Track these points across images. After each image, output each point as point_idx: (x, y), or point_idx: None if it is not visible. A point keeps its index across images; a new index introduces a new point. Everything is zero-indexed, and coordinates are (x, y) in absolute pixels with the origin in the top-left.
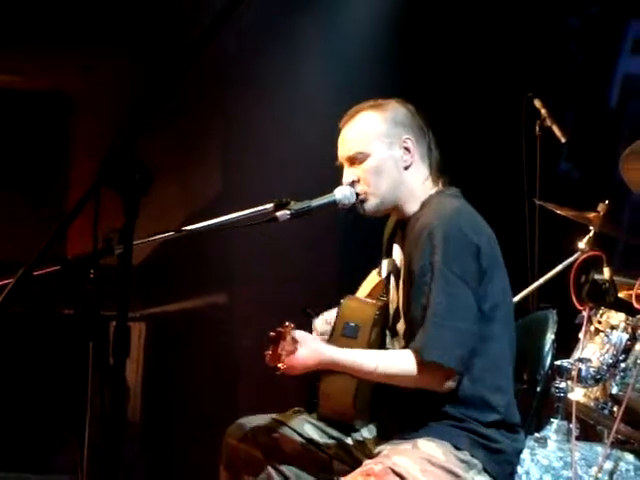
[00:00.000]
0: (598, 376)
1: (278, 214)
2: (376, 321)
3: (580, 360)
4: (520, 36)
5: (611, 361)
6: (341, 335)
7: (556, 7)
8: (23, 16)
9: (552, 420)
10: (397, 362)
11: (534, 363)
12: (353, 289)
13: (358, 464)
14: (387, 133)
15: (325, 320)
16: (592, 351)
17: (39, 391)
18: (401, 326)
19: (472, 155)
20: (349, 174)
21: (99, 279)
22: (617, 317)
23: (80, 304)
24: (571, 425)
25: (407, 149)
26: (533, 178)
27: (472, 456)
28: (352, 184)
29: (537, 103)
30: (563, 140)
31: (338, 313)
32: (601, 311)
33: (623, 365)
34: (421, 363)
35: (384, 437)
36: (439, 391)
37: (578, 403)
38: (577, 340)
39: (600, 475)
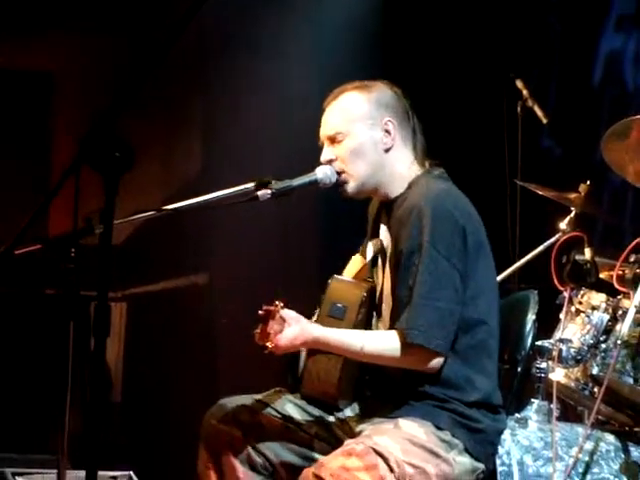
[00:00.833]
0: (579, 357)
1: (259, 193)
2: (363, 302)
3: (561, 341)
4: (501, 14)
5: (592, 342)
6: (328, 315)
7: None
8: None
9: (533, 400)
10: (383, 342)
11: (515, 343)
12: (333, 267)
13: (339, 443)
14: (369, 114)
15: None
16: (573, 332)
17: (20, 371)
18: (386, 307)
19: (454, 136)
20: (327, 152)
21: (80, 259)
22: (598, 298)
23: (61, 284)
24: (552, 405)
25: (388, 131)
26: (515, 158)
27: (453, 436)
28: (329, 162)
29: (519, 84)
30: (545, 121)
31: (325, 293)
32: (582, 292)
33: (604, 346)
34: (406, 344)
35: (366, 416)
36: (424, 371)
37: (559, 384)
38: (558, 321)
39: (580, 455)
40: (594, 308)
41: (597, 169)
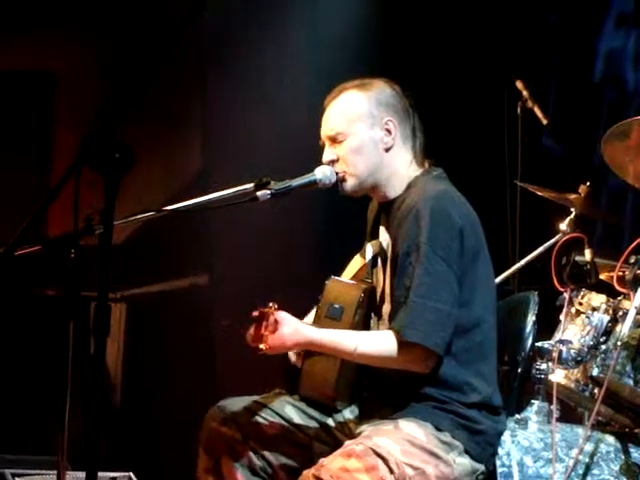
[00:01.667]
0: (579, 358)
1: (259, 194)
2: (360, 303)
3: (561, 342)
4: (502, 14)
5: (592, 343)
6: (325, 316)
7: None
8: None
9: (533, 402)
10: (377, 342)
11: (515, 345)
12: (333, 269)
13: (339, 445)
14: (369, 114)
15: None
16: (573, 333)
17: (19, 372)
18: (386, 308)
19: (454, 137)
20: (329, 153)
21: (80, 259)
22: (598, 299)
23: (61, 284)
24: (552, 407)
25: (389, 131)
26: (515, 159)
27: (453, 437)
28: (331, 163)
29: (519, 85)
30: (545, 122)
31: (322, 294)
32: (582, 293)
33: (604, 347)
34: (401, 343)
35: (366, 417)
36: (419, 372)
37: (559, 385)
38: (558, 322)
39: (581, 457)
40: (594, 309)
41: (597, 169)
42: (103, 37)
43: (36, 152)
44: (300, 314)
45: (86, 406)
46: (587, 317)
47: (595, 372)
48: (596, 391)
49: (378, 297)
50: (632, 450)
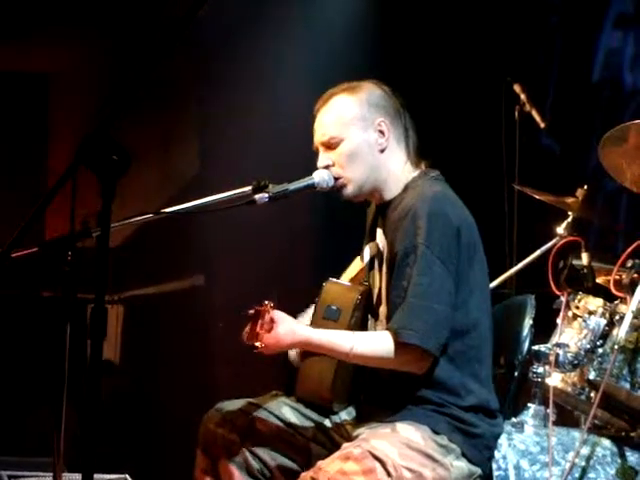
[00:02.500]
0: (576, 361)
1: (256, 197)
2: (357, 305)
3: (558, 345)
4: (499, 17)
5: (589, 346)
6: (322, 318)
7: None
8: None
9: (529, 405)
10: (373, 343)
11: (512, 348)
12: (330, 272)
13: (336, 447)
14: (361, 116)
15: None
16: (570, 336)
17: (16, 373)
18: (383, 310)
19: (452, 140)
20: (324, 158)
21: (76, 261)
22: (595, 302)
23: (58, 286)
24: (548, 410)
25: (382, 132)
26: (512, 163)
27: (450, 441)
28: (327, 168)
29: (516, 88)
30: (542, 125)
31: (320, 296)
32: (579, 296)
33: (601, 350)
34: (397, 344)
35: (363, 420)
36: (415, 372)
37: (555, 388)
38: (555, 325)
39: (577, 460)
40: (591, 313)
41: (593, 172)
42: (98, 39)
43: (31, 154)
44: (297, 315)
45: (82, 408)
46: (584, 321)
47: (592, 375)
48: (593, 394)
49: (375, 298)
50: (628, 454)
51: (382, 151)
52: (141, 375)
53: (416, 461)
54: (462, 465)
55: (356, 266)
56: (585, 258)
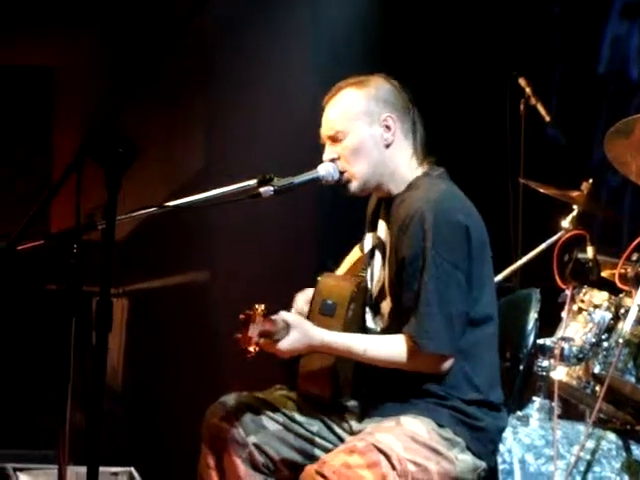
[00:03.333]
0: (581, 355)
1: (261, 190)
2: (353, 298)
3: (563, 339)
4: (504, 10)
5: (594, 340)
6: (318, 313)
7: None
8: None
9: (534, 399)
10: (390, 348)
11: (517, 342)
12: (335, 264)
13: (340, 441)
14: (368, 111)
15: (306, 297)
16: (575, 330)
17: (21, 367)
18: (386, 305)
19: (456, 134)
20: (330, 152)
21: (82, 254)
22: (600, 296)
23: (63, 279)
24: (553, 404)
25: (388, 127)
26: (517, 156)
27: (455, 434)
28: (332, 161)
29: (522, 82)
30: (547, 119)
31: (315, 291)
32: (584, 290)
33: (606, 344)
34: (415, 351)
35: (367, 414)
36: (434, 374)
37: (560, 382)
38: (560, 319)
39: (582, 454)
40: (596, 306)
41: (597, 166)
42: (103, 32)
43: (36, 147)
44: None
45: (87, 401)
46: (589, 314)
47: (597, 369)
48: (598, 388)
49: (377, 292)
50: (633, 447)
51: (388, 146)
52: (146, 368)
53: (421, 454)
54: (467, 458)
55: (354, 256)
56: (590, 252)
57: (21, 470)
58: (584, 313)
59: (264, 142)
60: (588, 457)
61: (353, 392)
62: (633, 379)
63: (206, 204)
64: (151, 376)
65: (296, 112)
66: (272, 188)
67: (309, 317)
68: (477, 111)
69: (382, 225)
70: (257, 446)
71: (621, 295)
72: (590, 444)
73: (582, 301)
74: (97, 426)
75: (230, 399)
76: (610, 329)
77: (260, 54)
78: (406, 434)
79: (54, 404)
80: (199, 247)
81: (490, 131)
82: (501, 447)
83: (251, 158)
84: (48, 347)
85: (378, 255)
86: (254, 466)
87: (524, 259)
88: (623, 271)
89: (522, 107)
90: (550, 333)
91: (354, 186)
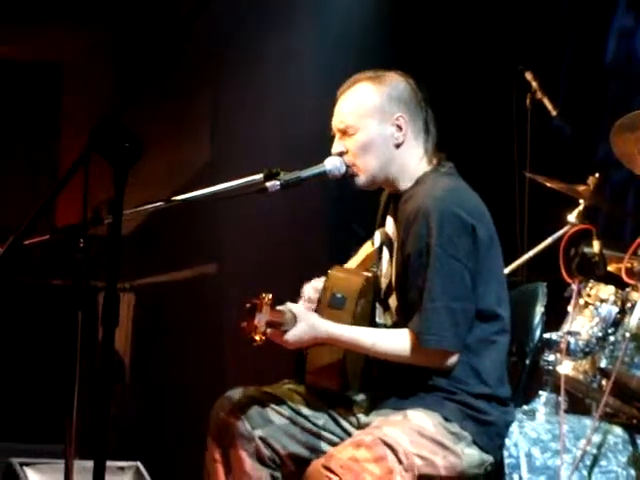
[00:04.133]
0: (587, 349)
1: (268, 185)
2: (362, 292)
3: (569, 333)
4: (511, 4)
5: (600, 334)
6: (327, 306)
7: None
8: None
9: (541, 393)
10: (395, 342)
11: (523, 336)
12: (343, 260)
13: (348, 435)
14: (380, 109)
15: (314, 288)
16: (581, 324)
17: (28, 361)
18: (393, 301)
19: (463, 128)
20: (338, 145)
21: (88, 249)
22: (606, 290)
23: (69, 274)
24: (560, 398)
25: (399, 127)
26: (524, 151)
27: (462, 428)
28: (340, 154)
29: (528, 76)
30: (554, 113)
31: (325, 283)
32: (590, 284)
33: (612, 338)
34: (419, 346)
35: (374, 408)
36: (440, 369)
37: (567, 376)
38: (566, 313)
39: (588, 448)
40: (602, 301)
41: (602, 160)
42: (112, 29)
43: (44, 142)
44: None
45: (94, 395)
46: (595, 308)
47: (603, 363)
48: (604, 382)
49: (385, 287)
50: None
51: (398, 146)
52: (152, 363)
53: (427, 448)
54: (473, 452)
55: (365, 250)
56: (596, 246)
57: (27, 465)
58: (590, 307)
59: (270, 137)
60: (594, 451)
61: (361, 385)
62: (639, 373)
63: (213, 199)
64: (157, 370)
65: (302, 107)
66: (278, 182)
67: (318, 310)
68: (483, 105)
69: (390, 221)
70: (263, 440)
71: (627, 289)
72: (596, 438)
73: (588, 295)
74: (104, 420)
75: (236, 393)
76: (616, 323)
77: (266, 51)
78: (413, 428)
79: (61, 399)
80: (206, 242)
81: (496, 125)
82: (507, 441)
83: (257, 153)
84: (54, 342)
85: (386, 251)
86: (260, 460)
87: (530, 253)
88: (629, 265)
89: (528, 101)
90: (556, 327)
91: (361, 180)
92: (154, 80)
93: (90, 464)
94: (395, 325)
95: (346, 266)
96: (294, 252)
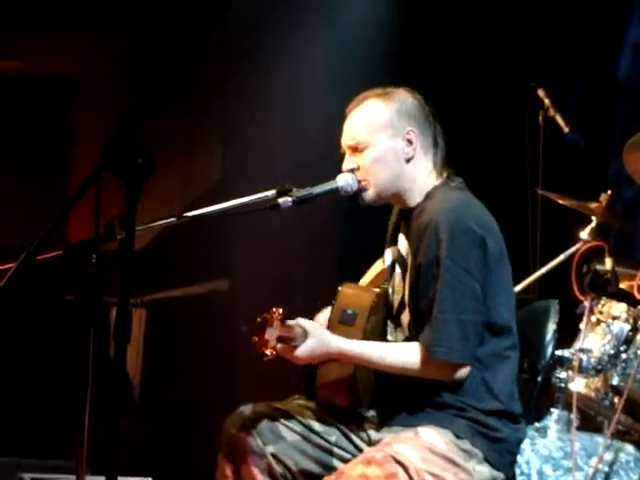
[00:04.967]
0: (599, 367)
1: (280, 201)
2: (373, 308)
3: (581, 350)
4: (524, 15)
5: (612, 352)
6: (338, 322)
7: None
8: (27, 3)
9: (552, 410)
10: (405, 355)
11: (535, 353)
12: (354, 276)
13: (359, 452)
14: (390, 124)
15: (327, 316)
16: (593, 341)
17: (40, 377)
18: (405, 317)
19: (475, 145)
20: (349, 162)
21: (100, 265)
22: (618, 308)
23: (82, 289)
24: (571, 415)
25: (410, 141)
26: (536, 167)
27: (473, 445)
28: (352, 171)
29: (540, 93)
30: (566, 130)
31: (336, 300)
32: (602, 301)
33: (624, 356)
34: (429, 358)
35: (385, 424)
36: (450, 382)
37: (579, 393)
38: (578, 330)
39: (600, 466)
40: (615, 318)
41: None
42: (122, 42)
43: (56, 157)
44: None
45: (106, 411)
46: (607, 326)
47: (615, 381)
48: (616, 400)
49: (397, 304)
50: None
51: (408, 160)
52: (163, 378)
53: (438, 466)
54: (484, 470)
55: (376, 268)
56: (609, 263)
57: None
58: (602, 324)
59: (282, 153)
60: (606, 469)
61: (372, 401)
62: None
63: (225, 215)
64: (169, 386)
65: (314, 123)
66: (291, 199)
67: (329, 326)
68: (496, 122)
69: (402, 238)
70: (275, 456)
71: (639, 307)
72: (608, 456)
73: (600, 312)
74: (116, 436)
75: (248, 409)
76: (629, 341)
77: (278, 64)
78: (424, 445)
79: (72, 414)
80: (217, 258)
81: (509, 142)
82: (519, 458)
83: (269, 169)
84: (66, 357)
85: (398, 269)
86: (272, 476)
87: (542, 270)
88: None
89: (540, 118)
90: (568, 344)
91: (369, 195)
92: (166, 96)
93: None
94: (406, 341)
95: (358, 283)
96: (305, 268)
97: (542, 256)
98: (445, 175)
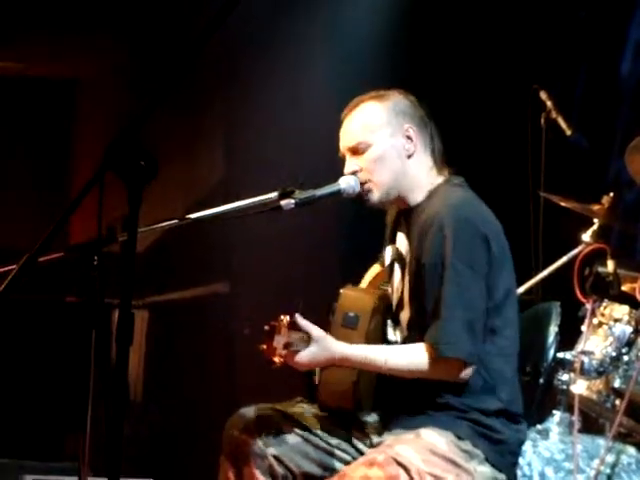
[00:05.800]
0: (601, 369)
1: (282, 203)
2: (375, 310)
3: (583, 353)
4: (526, 18)
5: (614, 354)
6: (341, 325)
7: None
8: (29, 3)
9: (554, 412)
10: (410, 356)
11: (537, 355)
12: (355, 278)
13: (360, 453)
14: (389, 122)
15: None
16: (595, 344)
17: (42, 379)
18: (404, 315)
19: (477, 147)
20: (351, 164)
21: (102, 266)
22: (621, 310)
23: (84, 291)
24: (573, 417)
25: (409, 138)
26: (538, 170)
27: (474, 446)
28: (354, 173)
29: (543, 95)
30: (568, 133)
31: (337, 303)
32: (605, 304)
33: (626, 358)
34: (435, 357)
35: (386, 427)
36: (455, 382)
37: (580, 396)
38: (580, 333)
39: (602, 468)
40: (616, 320)
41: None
42: (124, 43)
43: (58, 159)
44: (321, 324)
45: (108, 412)
46: (609, 328)
47: (617, 383)
48: (618, 402)
49: (396, 303)
50: None
51: (409, 157)
52: (165, 380)
53: (440, 467)
54: (486, 470)
55: (374, 270)
56: (611, 265)
57: None
58: (604, 327)
59: (285, 155)
60: (608, 471)
61: (373, 404)
62: None
63: (227, 217)
64: (170, 387)
65: (317, 125)
66: (293, 201)
67: (331, 329)
68: (498, 125)
69: (401, 237)
70: (277, 458)
71: None
72: (610, 458)
73: (602, 315)
74: (117, 438)
75: (249, 411)
76: (630, 343)
77: (281, 65)
78: (425, 446)
79: (74, 416)
80: (219, 259)
81: (511, 145)
82: (521, 460)
83: (271, 171)
84: (68, 359)
85: (397, 268)
86: (273, 478)
87: (544, 272)
88: None
89: (543, 121)
90: (570, 347)
91: (375, 196)
92: (168, 98)
93: None
94: (405, 340)
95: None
96: (306, 271)
97: (544, 258)
98: (446, 173)
